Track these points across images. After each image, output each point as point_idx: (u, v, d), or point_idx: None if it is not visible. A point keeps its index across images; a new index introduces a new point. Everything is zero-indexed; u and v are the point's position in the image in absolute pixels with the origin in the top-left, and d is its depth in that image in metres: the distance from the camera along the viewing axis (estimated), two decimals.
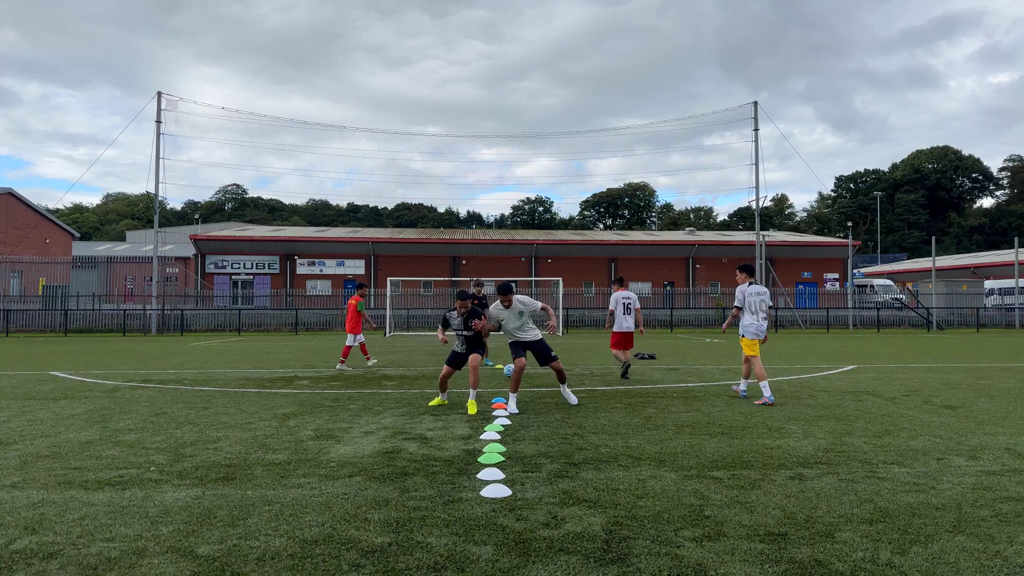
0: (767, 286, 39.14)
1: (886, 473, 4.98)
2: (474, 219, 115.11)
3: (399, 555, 3.41)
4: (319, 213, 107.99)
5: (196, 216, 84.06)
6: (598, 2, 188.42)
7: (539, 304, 8.31)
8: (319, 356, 16.90)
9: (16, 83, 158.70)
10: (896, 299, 42.17)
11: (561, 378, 8.36)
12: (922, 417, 7.40)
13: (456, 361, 8.28)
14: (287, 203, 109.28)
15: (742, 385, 9.03)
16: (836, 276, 50.36)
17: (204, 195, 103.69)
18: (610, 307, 11.61)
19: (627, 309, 11.45)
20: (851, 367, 13.40)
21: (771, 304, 9.00)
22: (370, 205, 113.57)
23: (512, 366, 8.22)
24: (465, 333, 8.19)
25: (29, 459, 5.52)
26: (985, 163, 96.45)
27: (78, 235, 54.47)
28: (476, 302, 14.05)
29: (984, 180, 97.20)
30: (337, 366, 13.28)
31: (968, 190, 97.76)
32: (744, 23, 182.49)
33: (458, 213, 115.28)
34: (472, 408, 7.78)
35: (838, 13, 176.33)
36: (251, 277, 47.82)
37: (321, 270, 48.56)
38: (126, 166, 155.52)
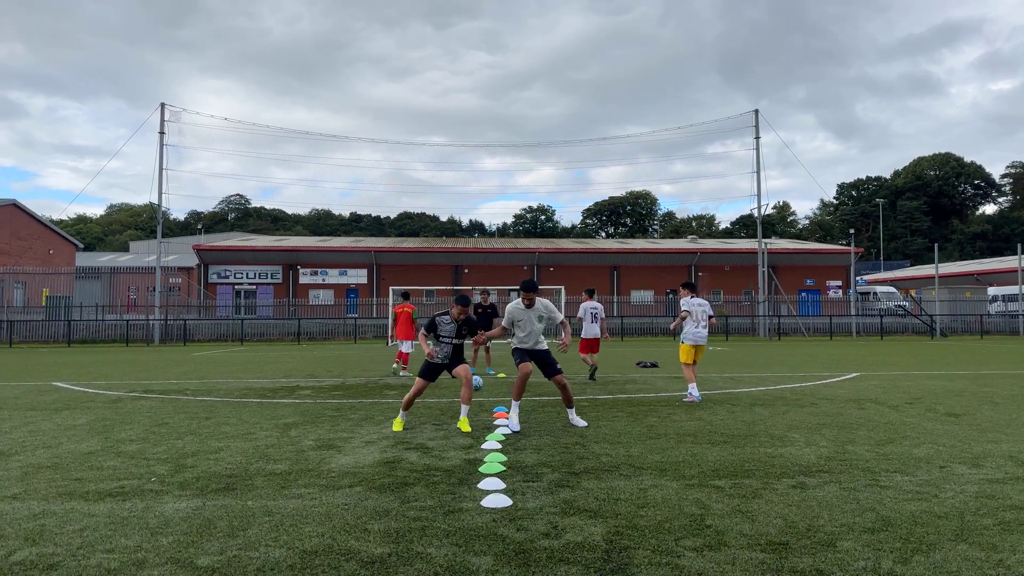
0: (770, 294, 39.14)
1: (888, 481, 4.96)
2: (476, 228, 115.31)
3: (399, 566, 3.40)
4: (322, 223, 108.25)
5: (199, 226, 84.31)
6: (600, 11, 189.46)
7: (559, 315, 7.72)
8: (321, 366, 16.90)
9: (23, 96, 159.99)
10: (899, 306, 42.06)
11: (568, 400, 7.53)
12: (925, 425, 7.37)
13: (432, 373, 7.40)
14: (290, 213, 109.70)
15: (694, 392, 9.51)
16: (839, 284, 50.25)
17: (207, 205, 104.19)
18: (579, 315, 12.63)
19: (594, 318, 12.53)
20: (854, 375, 13.36)
21: (712, 315, 9.99)
22: (373, 214, 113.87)
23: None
24: (455, 342, 7.37)
25: (30, 470, 5.52)
26: (987, 170, 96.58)
27: (82, 246, 54.64)
28: (481, 311, 14.10)
29: (986, 187, 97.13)
30: (401, 372, 13.83)
31: (970, 197, 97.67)
32: (744, 31, 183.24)
33: (460, 222, 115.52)
34: (464, 426, 7.16)
35: (838, 21, 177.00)
36: (254, 287, 47.87)
37: (324, 280, 48.58)
38: (130, 177, 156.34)
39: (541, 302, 7.47)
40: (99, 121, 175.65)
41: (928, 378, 12.66)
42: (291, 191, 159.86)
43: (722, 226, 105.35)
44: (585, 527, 3.98)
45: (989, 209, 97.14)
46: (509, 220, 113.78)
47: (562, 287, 38.14)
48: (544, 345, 7.55)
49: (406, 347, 14.12)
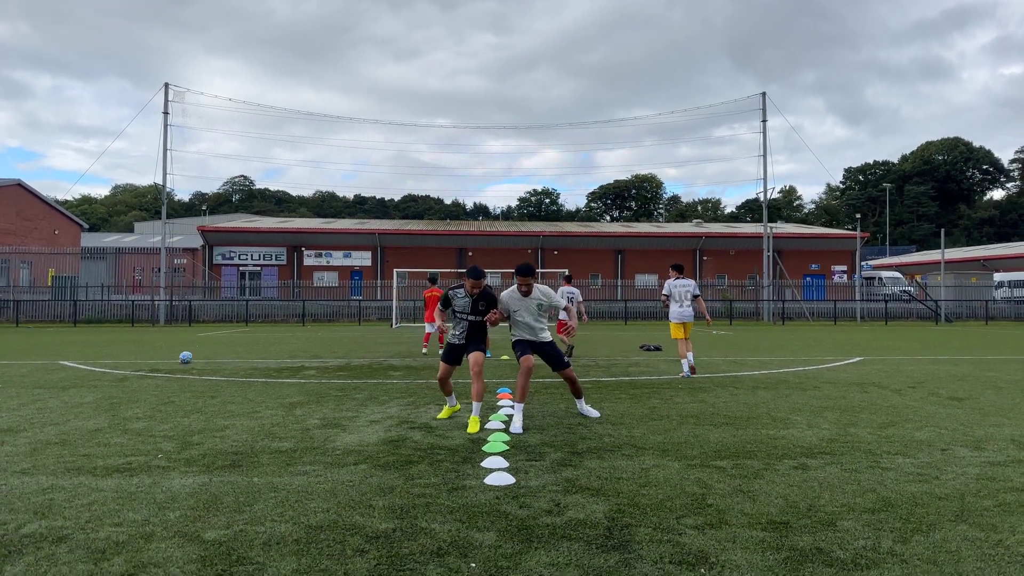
0: (774, 278, 39.06)
1: (890, 463, 4.98)
2: (480, 211, 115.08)
3: (403, 540, 3.45)
4: (326, 205, 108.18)
5: (204, 207, 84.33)
6: None
7: (563, 301, 7.05)
8: (326, 347, 16.97)
9: (28, 76, 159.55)
10: (904, 291, 41.95)
11: (577, 392, 6.98)
12: (928, 409, 7.39)
13: (453, 356, 6.74)
14: (294, 195, 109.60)
15: (685, 368, 10.29)
16: (844, 268, 50.11)
17: (212, 186, 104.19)
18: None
19: (570, 301, 13.52)
20: (857, 359, 13.36)
21: (696, 294, 10.63)
22: (377, 197, 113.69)
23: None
24: (470, 318, 6.66)
25: (39, 446, 5.58)
26: (996, 155, 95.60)
27: (87, 226, 54.75)
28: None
29: (995, 172, 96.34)
30: (424, 351, 14.48)
31: (978, 182, 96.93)
32: (754, 14, 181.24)
33: (464, 205, 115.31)
34: (474, 426, 6.24)
35: (849, 4, 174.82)
36: (258, 268, 47.98)
37: (328, 261, 48.65)
38: (136, 158, 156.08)
39: (539, 288, 6.71)
40: (104, 101, 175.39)
41: (932, 363, 12.66)
42: (295, 173, 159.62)
43: (728, 210, 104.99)
44: (587, 505, 4.01)
45: (997, 194, 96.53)
46: (513, 203, 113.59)
47: (566, 270, 38.15)
48: (547, 336, 6.79)
49: (430, 329, 14.58)
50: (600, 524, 3.68)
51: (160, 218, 36.14)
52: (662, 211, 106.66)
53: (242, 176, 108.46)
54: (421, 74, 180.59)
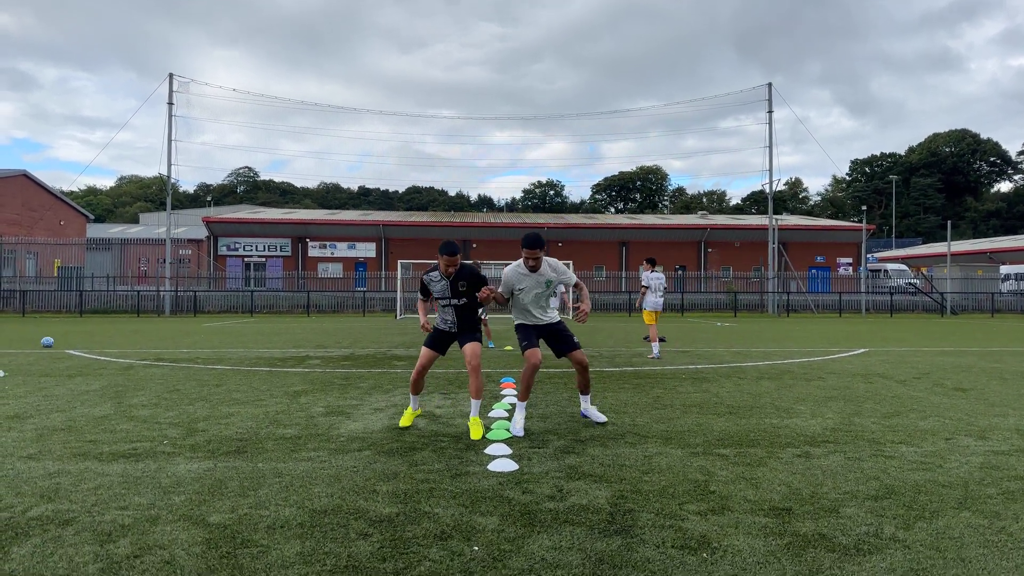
0: (779, 270, 38.95)
1: (893, 452, 4.98)
2: (485, 203, 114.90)
3: (406, 524, 3.46)
4: (330, 196, 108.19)
5: (208, 199, 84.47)
6: None
7: (574, 276, 6.05)
8: (331, 337, 17.01)
9: (34, 67, 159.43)
10: (910, 284, 41.80)
11: (584, 383, 6.02)
12: (932, 399, 7.38)
13: (439, 342, 5.82)
14: (299, 186, 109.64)
15: (655, 350, 11.68)
16: (850, 261, 49.93)
17: (217, 178, 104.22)
18: None
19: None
20: (862, 350, 13.33)
21: (666, 287, 12.22)
22: (381, 188, 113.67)
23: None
24: (455, 302, 5.70)
25: (45, 432, 5.62)
26: (1004, 147, 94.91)
27: (92, 217, 54.89)
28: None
29: (1002, 164, 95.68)
30: None
31: (985, 174, 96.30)
32: (760, 5, 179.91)
33: (469, 197, 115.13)
34: (476, 431, 5.46)
35: None
36: (263, 259, 48.05)
37: (332, 253, 48.69)
38: (142, 149, 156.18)
39: (549, 262, 5.79)
40: (110, 92, 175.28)
41: (937, 354, 12.62)
42: (300, 164, 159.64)
43: (733, 202, 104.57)
44: (590, 491, 4.02)
45: (1004, 187, 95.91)
46: (518, 195, 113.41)
47: (570, 262, 38.11)
48: (556, 316, 5.99)
49: None
50: (603, 510, 3.70)
51: (165, 209, 36.21)
52: (667, 203, 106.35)
53: (247, 167, 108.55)
54: (425, 65, 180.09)
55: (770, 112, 36.80)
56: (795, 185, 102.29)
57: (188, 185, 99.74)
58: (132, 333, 18.73)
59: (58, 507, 3.73)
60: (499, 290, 5.80)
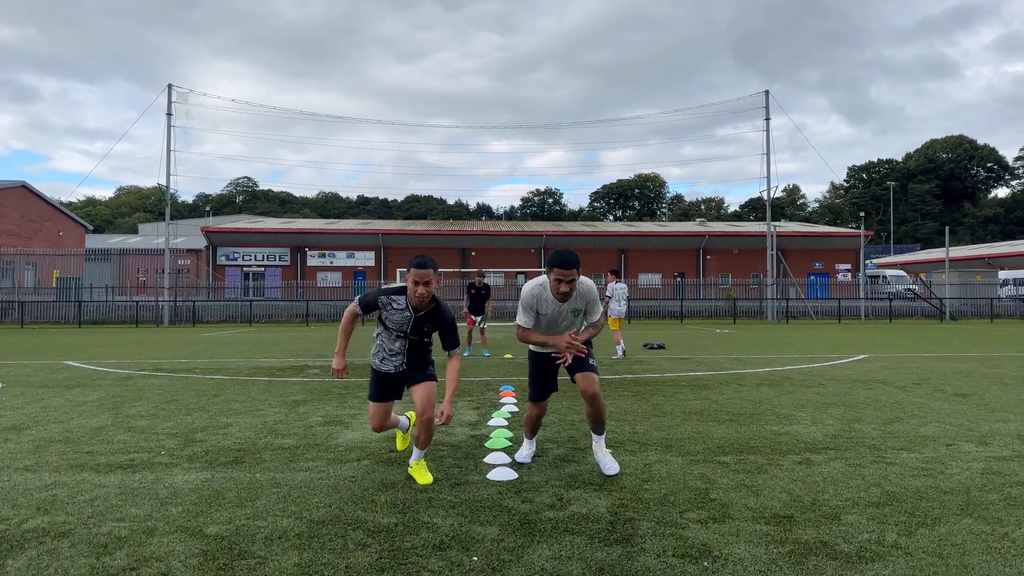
0: (778, 277, 39.01)
1: (894, 458, 4.96)
2: (484, 211, 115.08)
3: (405, 535, 3.44)
4: (329, 205, 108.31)
5: (207, 209, 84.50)
6: None
7: (600, 310, 4.68)
8: (329, 346, 16.97)
9: (35, 79, 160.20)
10: (909, 290, 41.82)
11: (595, 422, 4.60)
12: (932, 404, 7.36)
13: (389, 390, 4.58)
14: (298, 196, 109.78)
15: (619, 351, 12.90)
16: (848, 267, 49.99)
17: (215, 188, 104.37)
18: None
19: None
20: (862, 356, 13.32)
21: (628, 296, 13.63)
22: (380, 197, 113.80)
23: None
24: (412, 338, 4.48)
25: (42, 443, 5.59)
26: (1001, 152, 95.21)
27: (91, 228, 54.90)
28: (474, 292, 14.01)
29: (999, 170, 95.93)
30: None
31: (983, 180, 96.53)
32: (758, 13, 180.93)
33: (468, 205, 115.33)
34: (423, 477, 4.35)
35: (853, 3, 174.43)
36: (262, 269, 48.05)
37: (331, 262, 48.71)
38: (142, 160, 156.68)
39: (585, 284, 4.51)
40: (111, 104, 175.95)
41: (937, 360, 12.61)
42: (299, 174, 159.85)
43: (731, 209, 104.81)
44: (590, 499, 4.00)
45: (1002, 192, 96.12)
46: (516, 203, 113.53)
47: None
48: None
49: None
50: (603, 518, 3.67)
51: (164, 219, 36.23)
52: (665, 210, 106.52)
53: (246, 177, 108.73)
54: (425, 75, 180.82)
55: (767, 119, 36.92)
56: (793, 192, 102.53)
57: (187, 195, 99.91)
58: (131, 344, 18.69)
59: (54, 519, 3.70)
60: (519, 318, 4.60)
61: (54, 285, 39.59)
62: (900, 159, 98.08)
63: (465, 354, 13.77)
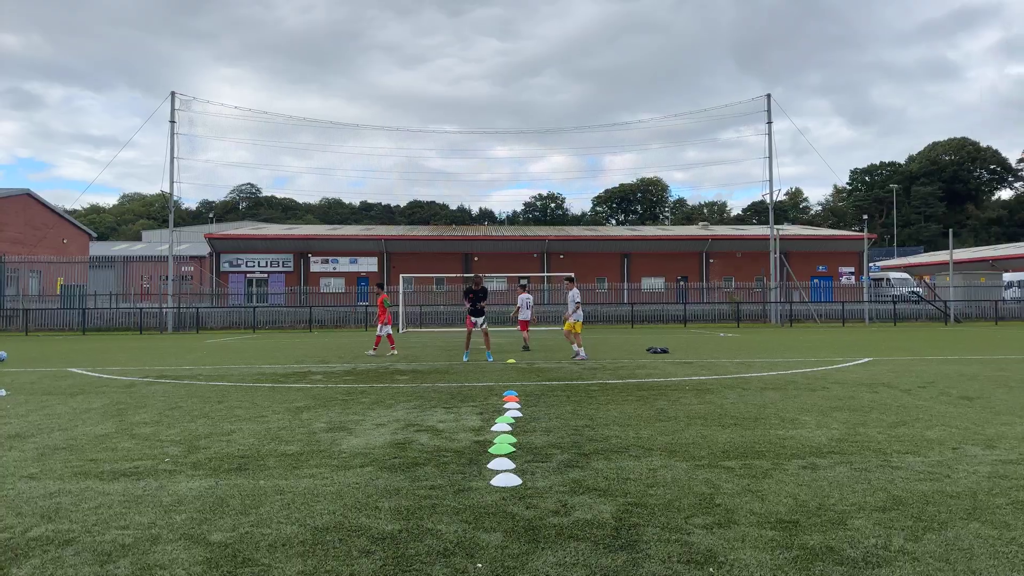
0: (781, 280, 38.94)
1: (900, 462, 4.94)
2: (486, 216, 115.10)
3: (409, 542, 3.43)
4: (332, 211, 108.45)
5: (211, 215, 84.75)
6: None
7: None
8: (333, 352, 16.98)
9: (40, 87, 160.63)
10: (913, 292, 41.71)
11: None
12: (938, 408, 7.33)
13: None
14: (301, 202, 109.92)
15: (581, 353, 13.80)
16: (851, 270, 49.86)
17: (219, 195, 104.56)
18: (517, 304, 17.83)
19: (527, 306, 17.69)
20: (866, 360, 13.28)
21: (579, 301, 14.56)
22: (383, 203, 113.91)
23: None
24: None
25: (46, 451, 5.59)
26: (1003, 154, 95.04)
27: (95, 235, 55.03)
28: (472, 295, 14.47)
29: (1003, 172, 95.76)
30: (370, 352, 15.92)
31: (986, 182, 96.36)
32: (760, 17, 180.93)
33: (470, 210, 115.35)
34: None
35: (855, 6, 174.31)
36: (265, 275, 48.12)
37: (335, 268, 48.76)
38: (146, 167, 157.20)
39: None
40: (115, 111, 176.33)
41: (941, 363, 12.56)
42: (302, 180, 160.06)
43: (734, 213, 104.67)
44: (594, 505, 3.98)
45: (1005, 194, 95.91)
46: (519, 208, 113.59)
47: (572, 274, 38.10)
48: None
49: (380, 332, 16.03)
50: (607, 524, 3.66)
51: (168, 226, 36.31)
52: (668, 214, 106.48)
53: (249, 184, 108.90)
54: (427, 80, 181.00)
55: (769, 123, 36.92)
56: (796, 195, 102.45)
57: (190, 202, 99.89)
58: (135, 350, 18.72)
59: (58, 527, 3.70)
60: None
61: (58, 292, 39.69)
62: (903, 162, 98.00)
63: (464, 359, 13.80)
